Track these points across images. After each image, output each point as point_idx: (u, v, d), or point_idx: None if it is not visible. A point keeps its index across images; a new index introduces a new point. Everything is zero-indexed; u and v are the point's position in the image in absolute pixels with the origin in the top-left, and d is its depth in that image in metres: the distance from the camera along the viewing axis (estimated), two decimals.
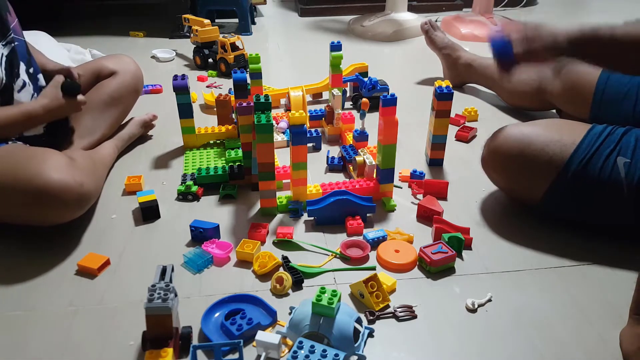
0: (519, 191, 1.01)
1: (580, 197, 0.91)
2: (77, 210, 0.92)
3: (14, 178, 0.87)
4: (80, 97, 1.07)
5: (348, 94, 1.58)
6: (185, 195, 1.09)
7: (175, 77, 1.22)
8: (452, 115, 1.33)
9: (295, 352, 0.69)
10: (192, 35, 1.91)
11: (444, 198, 1.09)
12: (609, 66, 1.01)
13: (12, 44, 1.04)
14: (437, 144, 1.21)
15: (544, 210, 0.98)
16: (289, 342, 0.74)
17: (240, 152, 1.22)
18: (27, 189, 0.86)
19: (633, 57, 0.87)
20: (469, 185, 1.14)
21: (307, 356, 0.68)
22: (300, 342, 0.70)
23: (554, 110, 1.43)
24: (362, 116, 1.20)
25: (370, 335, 0.76)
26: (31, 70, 1.09)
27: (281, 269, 0.88)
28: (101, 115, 1.21)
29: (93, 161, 1.05)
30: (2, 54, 1.01)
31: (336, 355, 0.68)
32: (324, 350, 0.69)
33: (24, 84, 1.05)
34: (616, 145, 0.89)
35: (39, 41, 1.76)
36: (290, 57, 2.11)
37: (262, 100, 0.99)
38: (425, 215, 1.03)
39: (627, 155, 0.88)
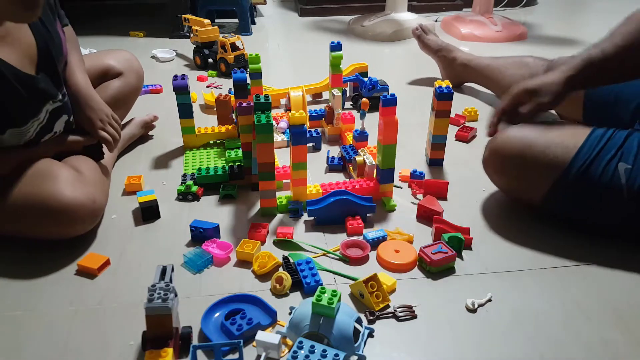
0: (519, 192, 1.00)
1: (580, 200, 0.91)
2: (90, 224, 0.94)
3: (27, 198, 0.88)
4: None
5: (348, 94, 1.58)
6: (185, 195, 1.09)
7: (175, 77, 1.22)
8: (452, 115, 1.33)
9: (295, 352, 0.69)
10: (192, 35, 1.91)
11: (444, 198, 1.09)
12: (612, 82, 1.03)
13: (64, 100, 0.99)
14: (437, 144, 1.21)
15: (543, 211, 0.98)
16: (289, 342, 0.74)
17: (240, 152, 1.22)
18: (42, 209, 0.88)
19: (630, 65, 0.91)
20: (469, 185, 1.14)
21: (307, 356, 0.68)
22: (300, 342, 0.70)
23: (553, 111, 1.43)
24: (362, 116, 1.20)
25: (370, 335, 0.76)
26: (71, 119, 1.02)
27: (281, 269, 0.88)
28: None
29: (99, 171, 1.05)
30: (47, 110, 0.95)
31: (336, 355, 0.68)
32: (324, 350, 0.69)
33: (54, 133, 0.99)
34: (618, 149, 0.89)
35: None
36: (290, 57, 2.11)
37: (262, 100, 0.99)
38: (425, 215, 1.03)
39: (629, 161, 0.87)
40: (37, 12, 0.84)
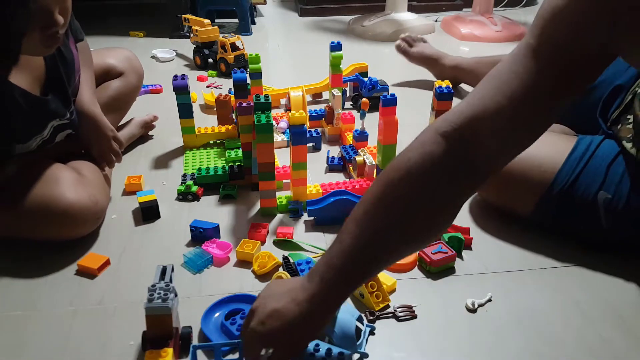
0: (507, 208, 1.01)
1: (565, 216, 0.92)
2: (92, 226, 0.95)
3: (31, 202, 0.88)
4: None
5: (348, 94, 1.58)
6: (185, 195, 1.09)
7: (175, 77, 1.22)
8: None
9: None
10: (192, 35, 1.91)
11: None
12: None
13: (71, 118, 0.98)
14: None
15: (534, 223, 0.98)
16: None
17: (240, 152, 1.22)
18: (45, 212, 0.88)
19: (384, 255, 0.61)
20: None
21: (311, 354, 0.68)
22: None
23: None
24: (362, 116, 1.20)
25: (372, 333, 0.76)
26: (72, 131, 1.02)
27: (281, 269, 0.88)
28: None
29: (100, 172, 1.05)
30: (52, 126, 0.94)
31: (340, 353, 0.68)
32: (329, 349, 0.69)
33: (55, 144, 0.99)
34: (600, 175, 0.87)
35: None
36: (290, 57, 2.10)
37: (262, 100, 0.99)
38: None
39: (611, 189, 0.86)
40: (54, 48, 0.85)
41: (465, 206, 1.07)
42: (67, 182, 0.92)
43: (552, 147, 0.93)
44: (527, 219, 0.98)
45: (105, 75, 1.25)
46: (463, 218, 1.02)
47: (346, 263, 0.57)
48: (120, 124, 1.30)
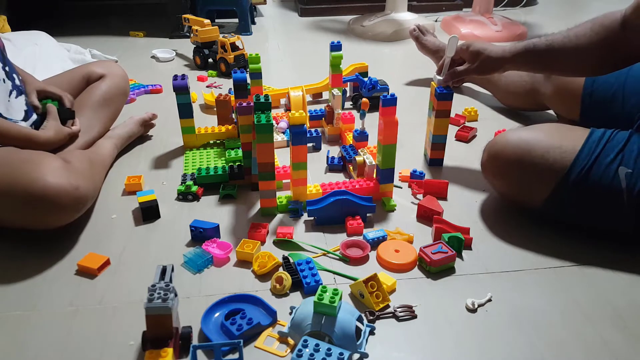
0: (519, 197, 1.00)
1: (581, 204, 0.91)
2: (73, 213, 0.93)
3: (9, 183, 0.87)
4: (75, 127, 1.12)
5: (348, 94, 1.58)
6: (185, 195, 1.09)
7: (175, 77, 1.22)
8: (452, 115, 1.33)
9: (300, 350, 0.69)
10: (192, 35, 1.91)
11: (444, 198, 1.09)
12: (549, 71, 1.17)
13: None
14: (437, 144, 1.21)
15: (544, 214, 0.98)
16: (291, 341, 0.74)
17: (240, 152, 1.22)
18: (23, 194, 0.86)
19: (572, 61, 1.02)
20: (469, 185, 1.14)
21: (312, 355, 0.68)
22: (305, 341, 0.70)
23: (551, 111, 1.43)
24: (362, 116, 1.20)
25: (372, 333, 0.77)
26: (7, 68, 1.05)
27: (281, 269, 0.88)
28: (95, 115, 1.22)
29: (90, 162, 1.05)
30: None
31: (341, 354, 0.68)
32: (329, 349, 0.69)
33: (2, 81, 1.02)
34: (618, 153, 0.88)
35: (39, 41, 1.76)
36: (290, 57, 2.11)
37: (262, 100, 0.99)
38: (425, 215, 1.03)
39: (630, 164, 0.87)
40: None
41: (465, 206, 1.07)
42: (50, 167, 0.90)
43: (568, 135, 0.93)
44: (536, 211, 0.97)
45: (87, 78, 1.28)
46: (463, 218, 1.02)
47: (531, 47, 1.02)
48: (115, 125, 1.31)
